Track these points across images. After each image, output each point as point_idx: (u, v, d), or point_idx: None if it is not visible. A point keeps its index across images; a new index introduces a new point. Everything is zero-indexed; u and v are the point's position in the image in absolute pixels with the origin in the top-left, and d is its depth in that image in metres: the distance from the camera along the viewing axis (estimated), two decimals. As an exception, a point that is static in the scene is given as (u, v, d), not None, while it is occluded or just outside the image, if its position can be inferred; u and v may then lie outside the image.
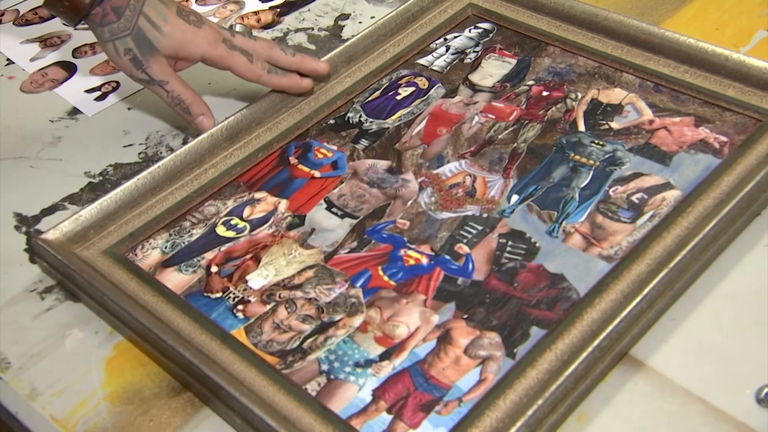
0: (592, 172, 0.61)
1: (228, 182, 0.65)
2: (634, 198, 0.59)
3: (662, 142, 0.63)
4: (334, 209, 0.62)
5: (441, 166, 0.64)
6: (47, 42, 0.81)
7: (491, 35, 0.75)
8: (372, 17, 0.81)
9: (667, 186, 0.59)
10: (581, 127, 0.65)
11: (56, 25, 0.83)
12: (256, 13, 0.83)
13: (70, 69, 0.78)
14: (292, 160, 0.66)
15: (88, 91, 0.75)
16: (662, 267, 0.52)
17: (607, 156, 0.62)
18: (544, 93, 0.68)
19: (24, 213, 0.65)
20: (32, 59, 0.79)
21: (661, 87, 0.67)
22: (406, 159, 0.65)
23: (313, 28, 0.81)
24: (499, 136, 0.66)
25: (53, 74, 0.77)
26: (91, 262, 0.58)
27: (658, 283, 0.51)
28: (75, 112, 0.74)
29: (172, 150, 0.68)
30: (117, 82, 0.76)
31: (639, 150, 0.62)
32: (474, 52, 0.73)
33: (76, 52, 0.79)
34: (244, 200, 0.63)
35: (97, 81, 0.76)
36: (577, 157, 0.62)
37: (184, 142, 0.69)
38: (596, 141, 0.63)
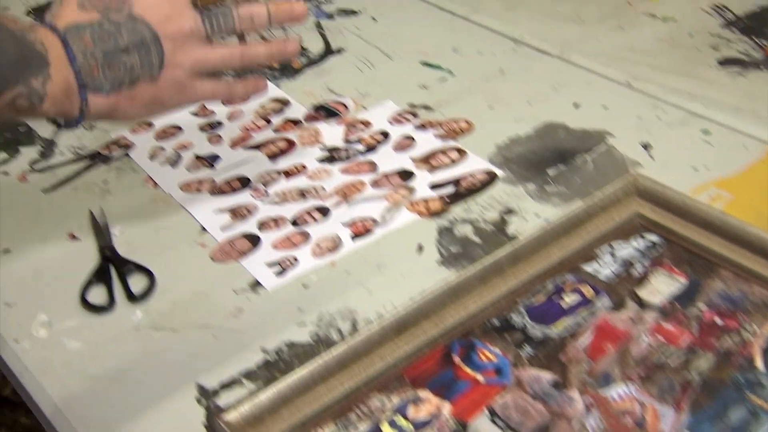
0: (771, 417, 0.59)
1: (394, 375, 0.68)
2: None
3: None
4: (497, 419, 0.63)
5: (607, 385, 0.64)
6: (237, 213, 0.89)
7: (659, 248, 0.76)
8: (536, 214, 0.84)
9: None
10: (759, 364, 0.64)
11: (245, 197, 0.91)
12: (425, 200, 0.88)
13: (255, 242, 0.85)
14: (456, 359, 0.68)
15: (269, 265, 0.82)
16: None
17: (785, 399, 0.60)
18: (717, 320, 0.68)
19: (205, 385, 0.70)
20: (223, 229, 0.87)
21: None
22: (571, 374, 0.66)
23: (478, 221, 0.85)
24: (670, 362, 0.65)
25: (240, 246, 0.84)
26: (263, 446, 0.62)
27: None
28: (256, 284, 0.80)
29: (341, 333, 0.72)
30: (295, 258, 0.82)
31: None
32: (641, 264, 0.74)
33: (261, 226, 0.87)
34: (408, 397, 0.66)
35: (277, 256, 0.83)
36: (755, 398, 0.61)
37: (353, 327, 0.73)
38: (774, 381, 0.62)
